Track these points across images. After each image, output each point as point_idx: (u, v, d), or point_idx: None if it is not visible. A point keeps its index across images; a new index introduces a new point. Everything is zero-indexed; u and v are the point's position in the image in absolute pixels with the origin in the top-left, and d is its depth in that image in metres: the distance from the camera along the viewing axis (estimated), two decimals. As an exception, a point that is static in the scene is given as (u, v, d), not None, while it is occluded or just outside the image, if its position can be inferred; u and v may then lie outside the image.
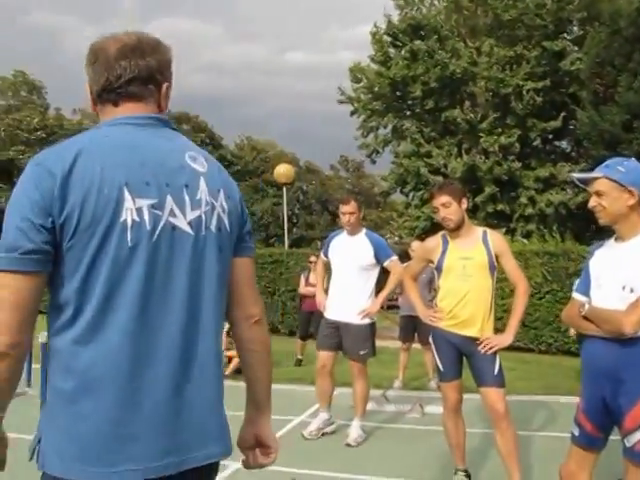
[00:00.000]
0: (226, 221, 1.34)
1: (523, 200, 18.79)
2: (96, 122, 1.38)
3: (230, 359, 7.52)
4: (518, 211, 18.86)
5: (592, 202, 2.42)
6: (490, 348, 3.47)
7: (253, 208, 39.90)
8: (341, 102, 22.45)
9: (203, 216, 1.29)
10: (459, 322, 3.54)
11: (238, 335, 1.46)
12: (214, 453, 1.32)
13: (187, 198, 1.27)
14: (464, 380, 3.66)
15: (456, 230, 3.60)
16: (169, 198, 1.24)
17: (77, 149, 1.20)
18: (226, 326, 6.07)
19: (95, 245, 1.16)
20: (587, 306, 2.41)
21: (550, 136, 20.15)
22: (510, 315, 3.64)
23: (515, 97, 18.74)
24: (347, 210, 4.69)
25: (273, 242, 34.35)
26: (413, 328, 6.98)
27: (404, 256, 12.21)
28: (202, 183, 1.31)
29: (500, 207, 18.83)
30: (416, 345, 7.15)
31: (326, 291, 4.95)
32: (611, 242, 2.47)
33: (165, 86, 1.37)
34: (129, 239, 1.18)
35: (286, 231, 15.59)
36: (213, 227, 1.31)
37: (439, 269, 3.65)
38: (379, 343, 9.56)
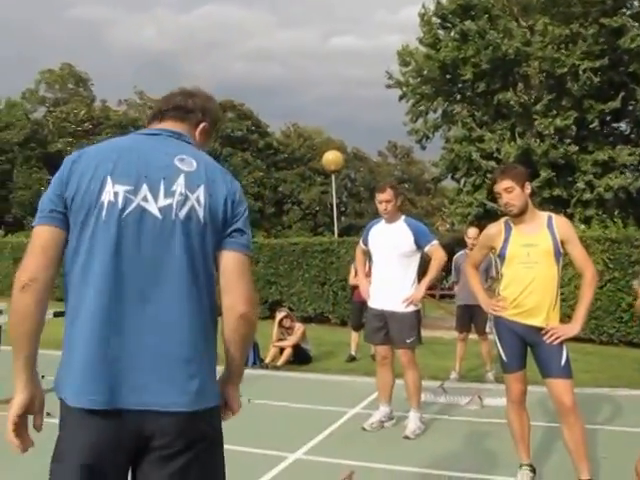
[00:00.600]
0: (200, 213, 1.57)
1: (581, 185, 18.13)
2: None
3: (282, 350, 7.51)
4: (576, 196, 18.21)
5: None
6: (556, 338, 3.32)
7: (300, 197, 40.07)
8: (389, 86, 22.10)
9: (174, 205, 1.55)
10: (523, 311, 3.41)
11: (223, 319, 1.64)
12: (164, 403, 1.49)
13: (162, 188, 1.55)
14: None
15: (520, 216, 3.45)
16: (145, 187, 1.55)
17: (84, 150, 1.65)
18: (278, 316, 6.07)
19: (81, 221, 1.53)
20: None
21: (608, 118, 19.29)
22: (577, 304, 3.47)
23: (571, 77, 18.02)
24: (383, 198, 4.60)
25: (321, 231, 34.39)
26: (470, 318, 6.81)
27: (456, 244, 12.03)
28: (181, 178, 1.58)
29: (557, 192, 18.19)
30: (473, 335, 6.98)
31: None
32: None
33: (202, 125, 1.77)
34: (104, 215, 1.52)
35: (335, 219, 15.46)
36: (182, 215, 1.55)
37: (502, 256, 3.51)
38: (433, 333, 9.51)
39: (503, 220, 3.59)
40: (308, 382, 6.71)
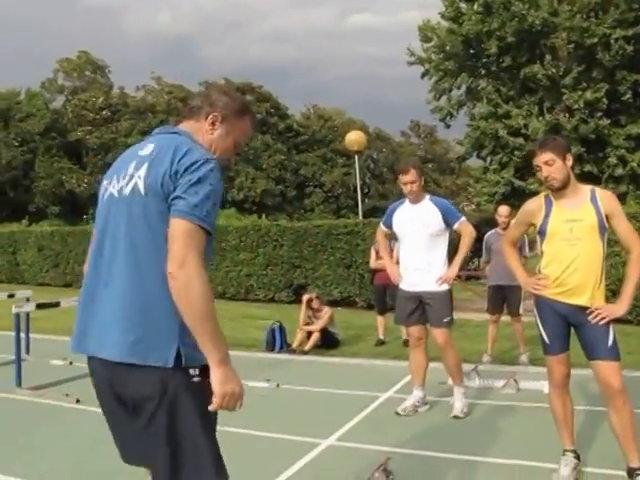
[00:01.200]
0: (141, 186, 1.78)
1: (612, 160, 17.68)
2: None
3: (310, 335, 7.39)
4: (607, 172, 17.78)
5: None
6: (602, 318, 3.15)
7: (322, 179, 39.83)
8: (411, 64, 21.73)
9: (125, 184, 1.83)
10: (567, 290, 3.22)
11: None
12: (107, 354, 1.77)
13: (122, 174, 1.86)
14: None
15: (561, 190, 3.25)
16: (115, 176, 1.89)
17: None
18: (306, 297, 5.90)
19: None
20: None
21: (642, 89, 18.73)
22: (623, 283, 3.27)
23: (602, 48, 17.47)
24: (408, 179, 4.50)
25: (344, 214, 34.16)
26: (502, 299, 6.61)
27: (484, 224, 11.73)
28: (134, 162, 1.84)
29: (587, 168, 17.74)
30: (505, 317, 6.78)
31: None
32: None
33: (211, 117, 1.96)
34: (99, 204, 1.94)
35: (360, 200, 15.24)
36: (127, 191, 1.81)
37: (542, 233, 3.32)
38: (463, 316, 9.27)
39: (543, 194, 3.40)
40: (337, 366, 6.59)
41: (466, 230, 4.58)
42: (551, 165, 3.22)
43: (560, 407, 3.35)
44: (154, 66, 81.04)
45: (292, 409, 4.79)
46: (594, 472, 3.35)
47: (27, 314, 6.54)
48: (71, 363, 6.07)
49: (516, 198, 16.64)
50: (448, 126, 22.73)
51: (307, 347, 7.26)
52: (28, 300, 6.68)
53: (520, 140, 18.66)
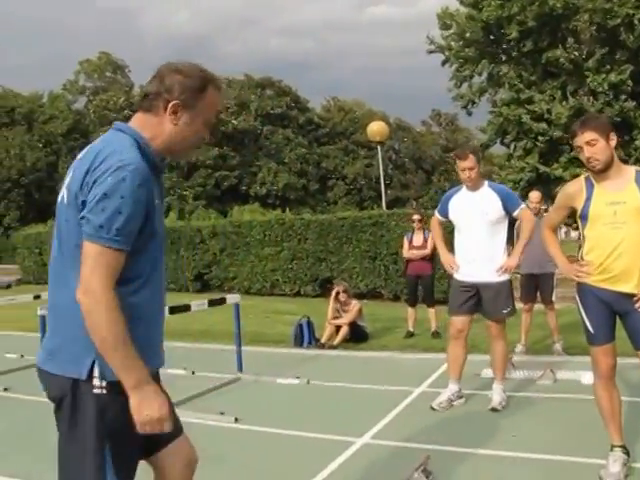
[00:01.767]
0: (65, 196, 1.71)
1: (639, 143, 17.16)
2: None
3: (338, 329, 7.28)
4: (634, 155, 17.30)
5: None
6: (649, 306, 2.97)
7: (344, 171, 39.59)
8: (431, 52, 21.43)
9: (62, 192, 1.74)
10: (611, 276, 3.06)
11: None
12: (37, 358, 1.79)
13: (65, 183, 1.76)
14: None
15: (604, 171, 3.07)
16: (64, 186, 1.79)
17: None
18: (335, 289, 5.76)
19: None
20: None
21: (669, 69, 18.20)
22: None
23: (625, 29, 17.01)
24: (466, 165, 4.40)
25: (367, 205, 33.92)
26: (535, 287, 6.44)
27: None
28: (70, 169, 1.75)
29: (613, 151, 17.31)
30: (538, 305, 6.60)
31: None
32: None
33: (170, 105, 1.74)
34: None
35: (383, 191, 15.07)
36: (60, 199, 1.75)
37: (584, 217, 3.16)
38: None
39: (584, 176, 3.23)
40: (367, 361, 6.47)
41: (527, 217, 4.49)
42: (593, 145, 3.04)
43: (607, 400, 3.19)
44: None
45: (324, 406, 4.69)
46: (645, 468, 3.19)
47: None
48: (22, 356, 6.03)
49: (542, 185, 16.33)
50: (470, 113, 22.38)
51: (336, 341, 7.15)
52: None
53: (543, 125, 18.28)
